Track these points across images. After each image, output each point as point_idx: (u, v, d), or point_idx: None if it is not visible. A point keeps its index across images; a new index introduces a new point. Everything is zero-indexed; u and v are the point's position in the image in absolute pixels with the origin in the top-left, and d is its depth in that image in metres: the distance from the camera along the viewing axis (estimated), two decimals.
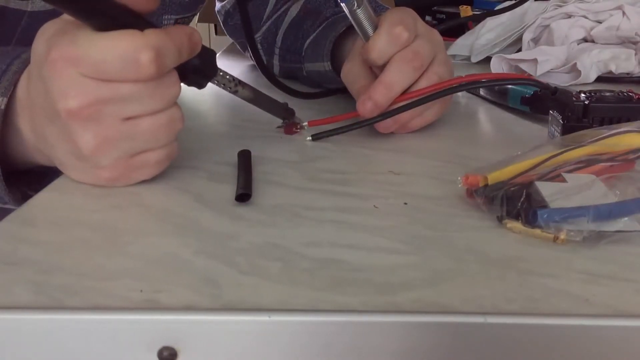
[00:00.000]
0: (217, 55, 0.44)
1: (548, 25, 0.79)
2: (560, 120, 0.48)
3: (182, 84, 0.38)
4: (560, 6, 0.80)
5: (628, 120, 0.46)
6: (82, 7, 0.34)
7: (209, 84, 0.43)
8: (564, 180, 0.35)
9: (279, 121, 0.51)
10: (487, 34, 0.84)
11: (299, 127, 0.50)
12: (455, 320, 0.25)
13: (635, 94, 0.48)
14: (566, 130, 0.46)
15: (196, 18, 0.99)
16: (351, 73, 0.52)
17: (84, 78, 0.34)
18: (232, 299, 0.26)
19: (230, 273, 0.29)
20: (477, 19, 0.89)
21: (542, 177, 0.36)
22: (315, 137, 0.49)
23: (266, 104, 0.49)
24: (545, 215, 0.32)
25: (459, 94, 0.65)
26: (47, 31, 0.36)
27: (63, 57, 0.34)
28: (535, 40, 0.81)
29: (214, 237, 0.32)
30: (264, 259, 0.30)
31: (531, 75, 0.69)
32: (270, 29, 0.73)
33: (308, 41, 0.67)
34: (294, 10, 0.71)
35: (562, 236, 0.31)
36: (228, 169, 0.42)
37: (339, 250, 0.31)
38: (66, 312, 0.25)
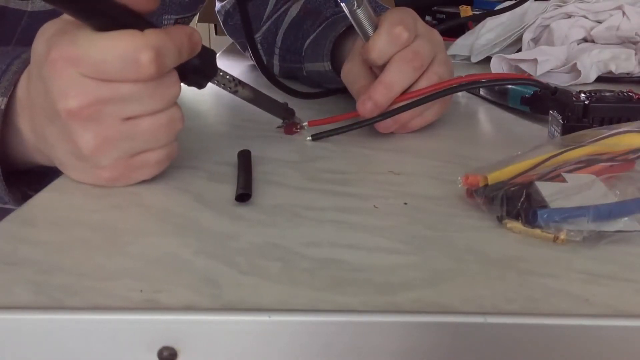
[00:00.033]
0: (217, 55, 0.44)
1: (548, 25, 0.79)
2: (560, 120, 0.48)
3: (182, 84, 0.38)
4: (560, 6, 0.80)
5: (628, 120, 0.46)
6: (82, 7, 0.34)
7: (209, 84, 0.43)
8: (564, 180, 0.35)
9: (279, 121, 0.51)
10: (487, 34, 0.84)
11: (299, 127, 0.50)
12: (455, 320, 0.25)
13: (635, 94, 0.48)
14: (566, 130, 0.46)
15: (196, 18, 0.99)
16: (351, 73, 0.52)
17: (84, 78, 0.34)
18: (232, 299, 0.26)
19: (230, 273, 0.29)
20: (477, 19, 0.89)
21: (542, 177, 0.36)
22: (315, 137, 0.49)
23: (266, 104, 0.49)
24: (545, 215, 0.32)
25: (459, 94, 0.65)
26: (47, 31, 0.36)
27: (63, 57, 0.34)
28: (535, 40, 0.81)
29: (214, 237, 0.32)
30: (264, 259, 0.30)
31: (531, 75, 0.69)
32: (270, 29, 0.73)
33: (308, 41, 0.67)
34: (294, 10, 0.71)
35: (562, 236, 0.31)
36: (228, 169, 0.42)
37: (339, 250, 0.31)
38: (66, 312, 0.25)
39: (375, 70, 0.50)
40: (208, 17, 1.44)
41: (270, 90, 0.53)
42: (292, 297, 0.27)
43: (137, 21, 0.35)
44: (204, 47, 0.40)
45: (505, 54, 0.75)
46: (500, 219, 0.34)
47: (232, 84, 0.45)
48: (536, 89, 0.53)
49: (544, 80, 0.58)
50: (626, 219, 0.32)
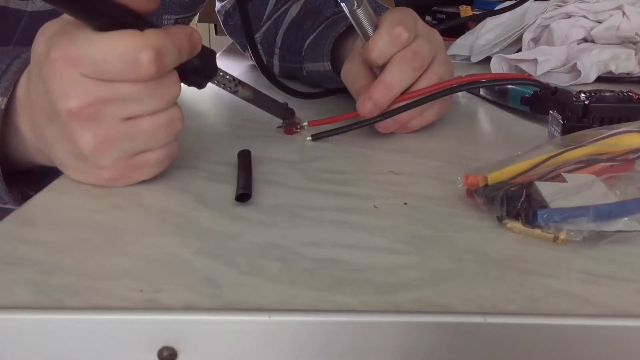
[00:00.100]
0: (217, 55, 0.44)
1: (548, 25, 0.79)
2: (560, 120, 0.48)
3: (182, 84, 0.38)
4: (560, 6, 0.80)
5: (628, 120, 0.46)
6: (82, 7, 0.34)
7: (209, 84, 0.43)
8: (564, 180, 0.35)
9: (279, 121, 0.51)
10: (487, 34, 0.84)
11: (299, 127, 0.50)
12: (455, 320, 0.25)
13: (635, 94, 0.48)
14: (566, 130, 0.46)
15: (196, 18, 0.99)
16: (351, 73, 0.52)
17: (84, 78, 0.34)
18: (232, 299, 0.26)
19: (230, 273, 0.29)
20: (477, 19, 0.89)
21: (542, 177, 0.36)
22: (315, 137, 0.49)
23: (266, 104, 0.49)
24: (545, 215, 0.32)
25: (459, 94, 0.65)
26: (47, 31, 0.36)
27: (63, 57, 0.34)
28: (535, 40, 0.81)
29: (214, 237, 0.32)
30: (264, 259, 0.30)
31: (531, 75, 0.69)
32: (270, 29, 0.73)
33: (308, 41, 0.67)
34: (294, 10, 0.71)
35: (562, 236, 0.31)
36: (228, 169, 0.42)
37: (339, 250, 0.31)
38: (66, 312, 0.25)
39: (375, 70, 0.50)
40: (208, 17, 1.44)
41: (270, 90, 0.53)
42: (292, 297, 0.27)
43: (137, 21, 0.35)
44: (204, 47, 0.40)
45: (505, 54, 0.75)
46: (500, 219, 0.34)
47: (232, 84, 0.45)
48: (536, 89, 0.53)
49: (544, 80, 0.58)
50: (626, 219, 0.32)
